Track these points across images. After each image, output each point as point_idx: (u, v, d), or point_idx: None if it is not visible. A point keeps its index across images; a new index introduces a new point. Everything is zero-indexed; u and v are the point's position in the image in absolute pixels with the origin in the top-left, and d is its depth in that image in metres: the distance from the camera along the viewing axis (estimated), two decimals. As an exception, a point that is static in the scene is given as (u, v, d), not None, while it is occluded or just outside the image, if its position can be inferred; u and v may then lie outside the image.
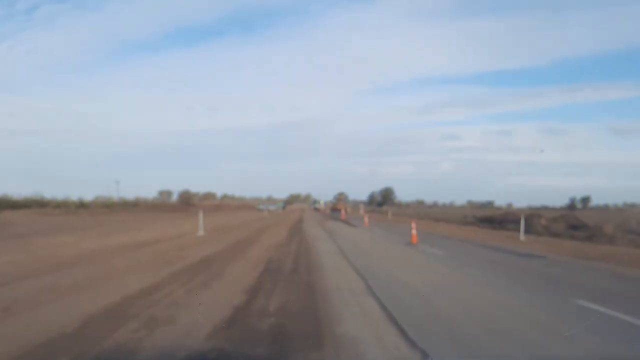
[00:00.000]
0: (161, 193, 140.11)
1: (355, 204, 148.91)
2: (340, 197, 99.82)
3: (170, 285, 8.70)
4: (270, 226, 31.13)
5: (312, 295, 7.95)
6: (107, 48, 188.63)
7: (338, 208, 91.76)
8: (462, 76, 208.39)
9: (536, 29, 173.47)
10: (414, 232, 17.65)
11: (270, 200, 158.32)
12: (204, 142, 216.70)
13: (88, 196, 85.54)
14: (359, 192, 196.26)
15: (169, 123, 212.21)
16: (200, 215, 24.63)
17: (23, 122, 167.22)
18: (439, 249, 16.05)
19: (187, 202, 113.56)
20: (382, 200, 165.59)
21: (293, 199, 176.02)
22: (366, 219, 31.50)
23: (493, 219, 44.99)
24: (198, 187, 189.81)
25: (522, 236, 23.02)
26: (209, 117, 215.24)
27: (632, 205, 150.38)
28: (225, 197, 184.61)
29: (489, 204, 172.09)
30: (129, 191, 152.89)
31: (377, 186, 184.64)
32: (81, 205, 73.91)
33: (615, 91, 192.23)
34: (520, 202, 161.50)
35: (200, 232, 23.78)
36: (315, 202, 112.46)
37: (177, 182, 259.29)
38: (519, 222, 41.63)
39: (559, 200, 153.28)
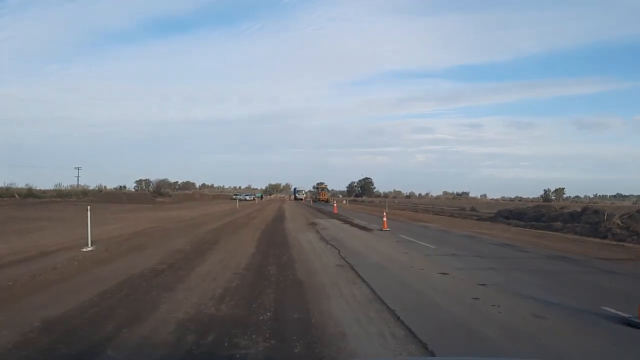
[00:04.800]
0: (138, 182, 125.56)
1: (334, 194, 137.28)
2: (322, 187, 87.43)
3: None
4: (235, 228, 18.52)
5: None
6: (82, 38, 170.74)
7: (321, 198, 79.98)
8: (434, 71, 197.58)
9: (503, 25, 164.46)
10: None
11: (249, 189, 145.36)
12: (182, 133, 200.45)
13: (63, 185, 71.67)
14: (336, 182, 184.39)
15: (147, 114, 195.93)
16: (89, 214, 11.87)
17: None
18: None
19: (159, 192, 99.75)
20: (361, 190, 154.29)
21: (272, 189, 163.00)
22: (384, 218, 18.88)
23: (521, 215, 33.21)
24: (178, 176, 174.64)
25: None
26: (187, 109, 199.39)
27: (604, 197, 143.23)
28: (204, 186, 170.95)
29: (464, 195, 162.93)
30: (108, 180, 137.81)
31: (354, 177, 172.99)
32: (29, 194, 60.37)
33: (578, 87, 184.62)
34: (494, 193, 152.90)
35: (88, 248, 11.37)
36: (296, 191, 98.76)
37: (158, 171, 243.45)
38: (564, 219, 29.78)
39: (532, 192, 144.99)
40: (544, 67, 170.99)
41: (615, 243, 16.82)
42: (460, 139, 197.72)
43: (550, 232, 22.35)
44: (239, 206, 45.71)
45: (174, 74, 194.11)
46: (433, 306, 5.99)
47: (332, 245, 12.54)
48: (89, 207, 11.96)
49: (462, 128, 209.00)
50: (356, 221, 24.20)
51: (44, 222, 22.05)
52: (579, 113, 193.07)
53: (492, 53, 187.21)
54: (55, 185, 66.72)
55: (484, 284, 7.34)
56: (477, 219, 35.66)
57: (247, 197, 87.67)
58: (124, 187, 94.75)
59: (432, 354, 4.13)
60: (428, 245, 13.01)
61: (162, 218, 26.41)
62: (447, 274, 8.27)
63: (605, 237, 19.91)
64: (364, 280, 7.54)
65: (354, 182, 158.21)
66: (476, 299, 6.29)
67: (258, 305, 5.84)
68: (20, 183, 58.36)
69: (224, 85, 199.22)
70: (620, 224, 22.15)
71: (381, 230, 17.81)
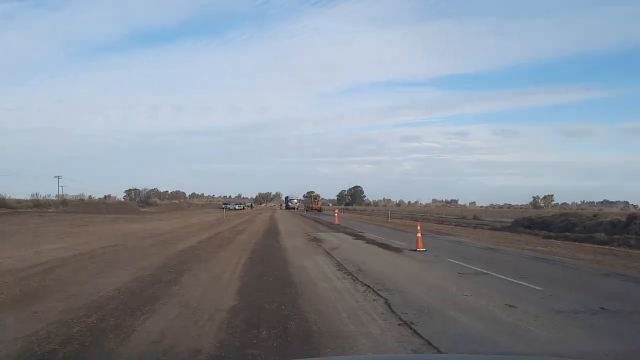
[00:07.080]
0: (127, 192, 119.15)
1: (324, 203, 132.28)
2: (314, 195, 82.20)
3: None
4: (214, 248, 13.22)
5: None
6: (69, 48, 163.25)
7: (314, 207, 74.69)
8: (421, 79, 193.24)
9: (490, 34, 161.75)
10: None
11: (239, 198, 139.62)
12: (172, 142, 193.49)
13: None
14: (326, 191, 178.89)
15: (136, 123, 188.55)
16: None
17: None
18: None
19: (147, 202, 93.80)
20: (352, 199, 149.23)
21: (262, 198, 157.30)
22: (419, 233, 13.18)
23: (546, 224, 28.36)
24: (168, 186, 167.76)
25: None
26: (176, 118, 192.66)
27: (591, 204, 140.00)
28: (194, 195, 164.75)
29: (453, 202, 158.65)
30: (97, 190, 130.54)
31: (343, 185, 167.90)
32: (1, 204, 54.45)
33: (563, 95, 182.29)
34: (482, 200, 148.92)
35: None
36: (289, 200, 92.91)
37: (149, 181, 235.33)
38: (605, 229, 24.87)
39: (520, 199, 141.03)
40: (529, 75, 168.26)
41: None
42: (447, 147, 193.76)
43: (609, 248, 17.41)
44: (226, 216, 40.34)
45: (163, 84, 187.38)
46: None
47: (367, 286, 7.35)
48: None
49: (449, 136, 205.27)
50: (368, 235, 19.00)
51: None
52: (564, 121, 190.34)
53: (479, 62, 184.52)
54: (32, 195, 60.04)
55: None
56: (490, 229, 30.70)
57: (236, 207, 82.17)
58: (109, 196, 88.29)
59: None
60: (519, 282, 7.83)
61: (132, 232, 21.08)
62: None
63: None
64: None
65: (344, 191, 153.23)
66: None
67: None
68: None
69: (213, 94, 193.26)
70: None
71: (415, 250, 12.61)
